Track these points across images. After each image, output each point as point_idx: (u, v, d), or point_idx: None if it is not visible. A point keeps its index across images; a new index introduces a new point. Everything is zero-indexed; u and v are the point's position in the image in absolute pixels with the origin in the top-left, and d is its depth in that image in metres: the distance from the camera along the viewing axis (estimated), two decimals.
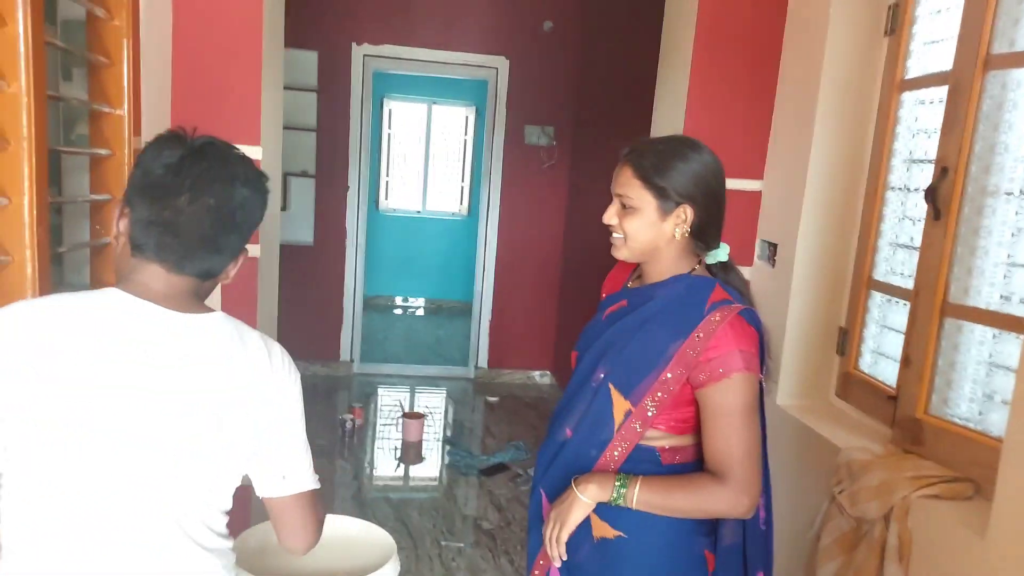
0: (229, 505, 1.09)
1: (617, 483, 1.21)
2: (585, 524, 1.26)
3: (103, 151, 1.73)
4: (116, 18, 1.70)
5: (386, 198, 7.35)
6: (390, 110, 7.16)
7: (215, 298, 1.77)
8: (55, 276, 1.58)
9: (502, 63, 4.79)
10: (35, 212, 1.38)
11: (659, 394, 1.23)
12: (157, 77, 1.92)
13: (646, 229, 1.25)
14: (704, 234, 1.29)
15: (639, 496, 1.20)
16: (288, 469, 1.11)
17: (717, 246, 1.32)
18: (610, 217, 1.30)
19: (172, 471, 1.01)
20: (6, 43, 1.29)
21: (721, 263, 1.34)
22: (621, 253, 1.30)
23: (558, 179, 5.00)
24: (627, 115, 3.77)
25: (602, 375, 1.29)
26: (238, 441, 1.06)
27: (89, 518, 0.97)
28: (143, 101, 1.83)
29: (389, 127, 7.22)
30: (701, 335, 1.20)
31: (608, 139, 4.11)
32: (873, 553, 1.55)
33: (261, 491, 1.11)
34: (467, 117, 7.29)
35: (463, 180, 7.46)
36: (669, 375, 1.22)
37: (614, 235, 1.30)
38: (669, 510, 1.22)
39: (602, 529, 1.29)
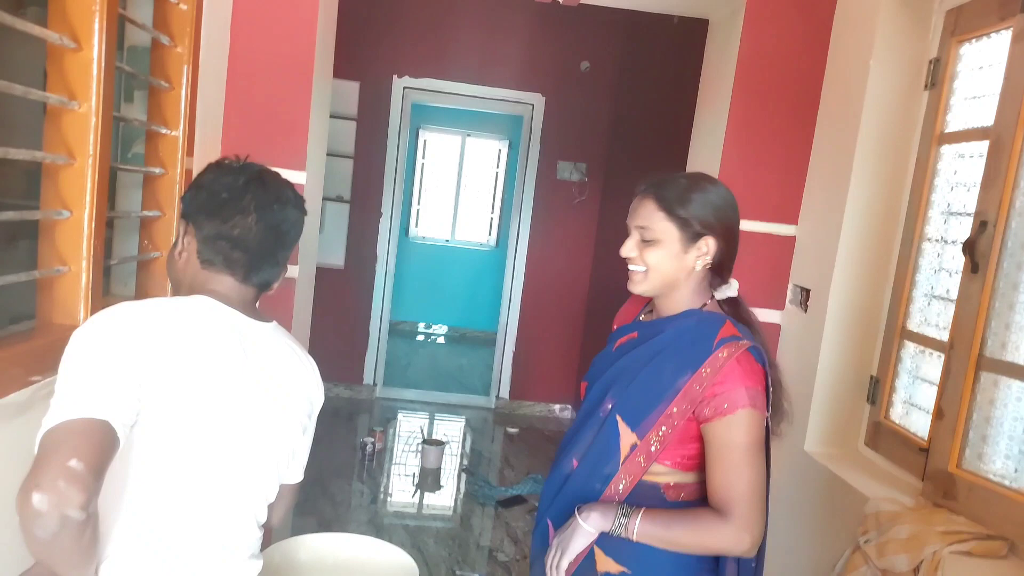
0: (275, 495, 1.24)
1: (619, 512, 1.20)
2: (589, 558, 1.26)
3: (157, 170, 1.80)
4: (179, 45, 1.78)
5: (416, 226, 7.45)
6: (425, 140, 7.30)
7: None
8: (103, 288, 1.63)
9: (538, 100, 4.88)
10: (94, 226, 1.44)
11: (664, 428, 1.22)
12: (211, 101, 2.00)
13: (669, 261, 1.25)
14: (722, 267, 1.28)
15: (640, 527, 1.19)
16: (304, 462, 1.32)
17: (728, 281, 1.31)
18: (629, 250, 1.29)
19: (262, 460, 1.16)
20: (81, 66, 1.36)
21: (731, 299, 1.32)
22: (640, 287, 1.29)
23: (588, 215, 5.04)
24: (660, 155, 3.81)
25: (610, 406, 1.28)
26: (298, 436, 1.24)
27: (198, 489, 1.08)
28: (197, 123, 1.91)
29: (423, 157, 7.35)
30: (708, 370, 1.19)
31: (640, 178, 4.15)
32: None
33: (286, 478, 1.27)
34: (500, 150, 7.40)
35: (492, 211, 7.54)
36: (675, 409, 1.21)
37: (633, 268, 1.29)
38: (670, 544, 1.20)
39: (606, 564, 1.27)
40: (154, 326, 1.03)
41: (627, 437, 1.25)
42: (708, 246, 1.25)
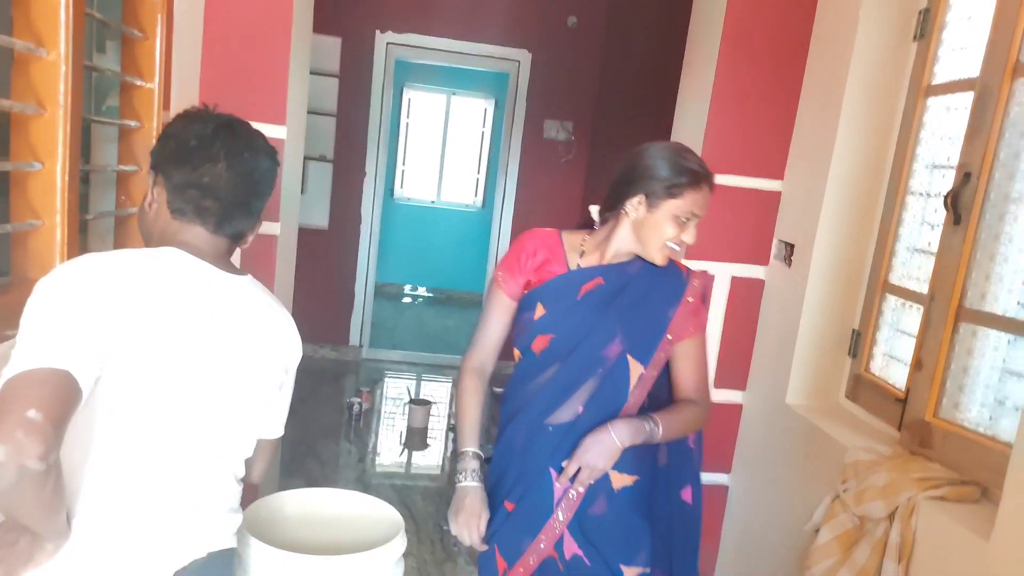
0: (251, 449, 1.24)
1: (647, 424, 1.40)
2: (604, 480, 1.42)
3: (133, 123, 1.76)
4: None
5: (401, 187, 7.38)
6: (409, 99, 7.19)
7: None
8: (80, 243, 1.60)
9: (524, 56, 4.80)
10: (67, 179, 1.41)
11: (662, 354, 1.46)
12: (188, 53, 1.94)
13: None
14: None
15: (663, 430, 1.41)
16: (283, 418, 1.32)
17: None
18: (692, 237, 1.41)
19: (235, 414, 1.16)
20: (47, 11, 1.31)
21: None
22: (671, 258, 1.45)
23: (575, 174, 5.01)
24: (648, 112, 3.77)
25: (620, 349, 1.43)
26: (273, 394, 1.23)
27: (167, 443, 1.08)
28: (173, 76, 1.86)
29: (408, 116, 7.24)
30: (691, 299, 1.47)
31: (627, 136, 4.12)
32: (874, 552, 1.57)
33: (264, 433, 1.28)
34: (485, 109, 7.30)
35: (478, 172, 7.47)
36: (669, 336, 1.46)
37: (677, 248, 1.42)
38: (676, 433, 1.46)
39: (621, 480, 1.44)
40: (119, 276, 1.02)
41: (635, 370, 1.44)
42: None
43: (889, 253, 1.95)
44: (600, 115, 4.83)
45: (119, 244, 1.84)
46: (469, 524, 1.44)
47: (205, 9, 2.01)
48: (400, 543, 1.46)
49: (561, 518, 1.43)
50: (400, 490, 3.33)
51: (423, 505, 3.18)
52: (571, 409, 1.43)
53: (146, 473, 1.06)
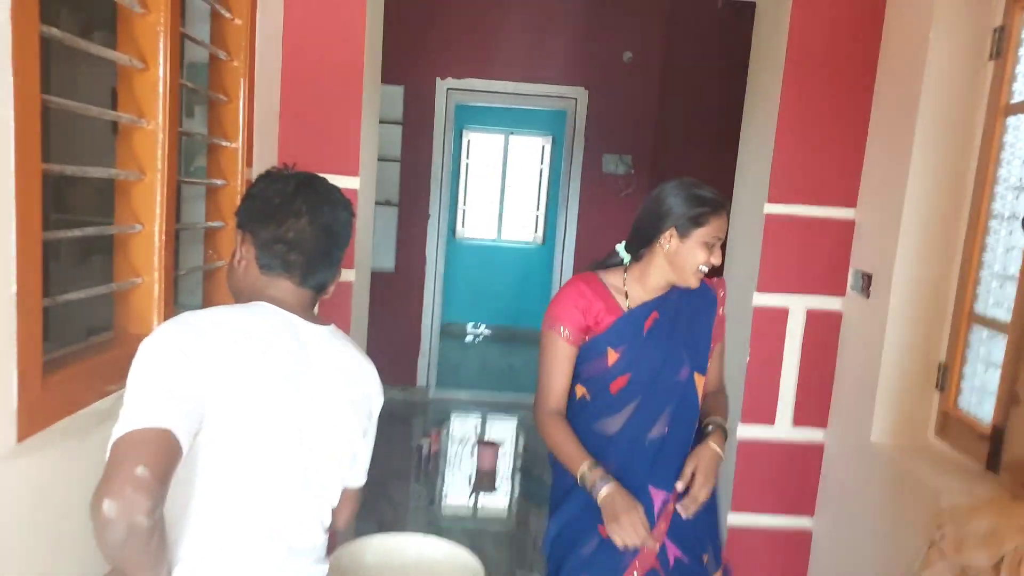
0: (337, 498, 1.27)
1: (723, 426, 1.62)
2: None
3: (219, 181, 1.87)
4: (235, 59, 1.84)
5: (463, 226, 7.50)
6: (469, 140, 7.35)
7: None
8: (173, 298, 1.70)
9: (581, 93, 4.87)
10: (164, 238, 1.50)
11: (709, 361, 1.65)
12: (267, 112, 2.06)
13: None
14: None
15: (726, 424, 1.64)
16: (367, 465, 1.35)
17: None
18: (719, 258, 1.56)
19: (325, 463, 1.19)
20: (148, 85, 1.42)
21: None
22: (699, 282, 1.58)
23: (635, 207, 4.97)
24: (707, 143, 3.76)
25: (689, 370, 1.60)
26: (358, 439, 1.26)
27: (262, 493, 1.11)
28: (255, 135, 1.97)
29: (467, 157, 7.40)
30: (721, 309, 1.67)
31: (688, 167, 4.09)
32: None
33: (349, 481, 1.30)
34: (543, 147, 7.40)
35: (538, 209, 7.54)
36: (712, 344, 1.66)
37: (704, 271, 1.56)
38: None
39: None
40: (216, 333, 1.06)
41: (699, 383, 1.61)
42: None
43: (974, 281, 1.87)
44: (659, 147, 4.83)
45: (207, 296, 1.94)
46: (633, 522, 1.44)
47: (282, 71, 2.13)
48: None
49: (663, 526, 1.55)
50: (471, 534, 3.32)
51: (493, 550, 3.16)
52: (659, 429, 1.58)
53: (243, 524, 1.09)
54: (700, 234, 1.52)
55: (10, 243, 1.05)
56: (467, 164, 7.41)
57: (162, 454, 0.93)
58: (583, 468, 1.50)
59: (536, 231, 7.55)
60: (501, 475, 3.98)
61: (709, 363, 1.65)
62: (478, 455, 4.00)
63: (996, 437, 1.72)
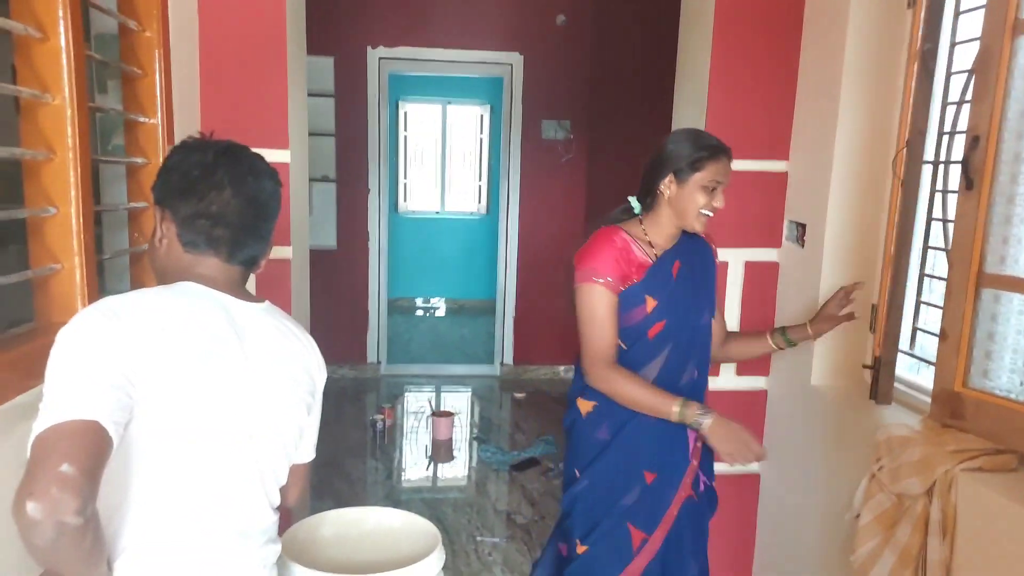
0: (286, 476, 1.24)
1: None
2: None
3: (139, 160, 1.77)
4: (148, 30, 1.74)
5: (405, 200, 7.40)
6: (405, 112, 7.22)
7: None
8: (99, 284, 1.62)
9: (516, 59, 4.81)
10: (82, 220, 1.42)
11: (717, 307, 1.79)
12: (187, 86, 1.96)
13: None
14: None
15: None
16: (315, 439, 1.32)
17: None
18: (722, 201, 1.62)
19: (266, 443, 1.15)
20: (49, 57, 1.33)
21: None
22: (706, 227, 1.65)
23: (577, 172, 5.01)
24: (644, 103, 3.78)
25: (708, 315, 1.73)
26: (302, 416, 1.22)
27: (202, 477, 1.07)
28: (175, 110, 1.87)
29: (405, 129, 7.28)
30: (717, 256, 1.82)
31: (626, 128, 4.13)
32: (916, 529, 1.55)
33: (296, 458, 1.27)
34: (481, 116, 7.32)
35: (480, 179, 7.49)
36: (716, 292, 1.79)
37: (710, 215, 1.63)
38: None
39: None
40: (139, 318, 1.00)
41: (711, 326, 1.75)
42: None
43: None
44: (597, 111, 4.83)
45: (135, 281, 1.86)
46: (748, 441, 1.57)
47: (199, 42, 2.03)
48: (439, 555, 1.46)
49: (695, 463, 1.71)
50: (430, 503, 3.33)
51: (455, 517, 3.18)
52: (689, 376, 1.70)
53: (185, 510, 1.06)
54: (698, 179, 1.59)
55: None
56: (405, 136, 7.29)
57: (90, 447, 0.87)
58: (677, 407, 1.57)
59: (479, 201, 7.51)
60: (457, 445, 4.00)
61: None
62: (433, 426, 4.00)
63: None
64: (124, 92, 1.78)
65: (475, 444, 4.01)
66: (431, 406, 4.44)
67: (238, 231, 1.13)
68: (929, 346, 1.84)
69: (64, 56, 1.33)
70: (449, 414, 4.05)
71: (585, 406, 1.72)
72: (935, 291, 1.88)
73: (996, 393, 1.58)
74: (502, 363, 5.20)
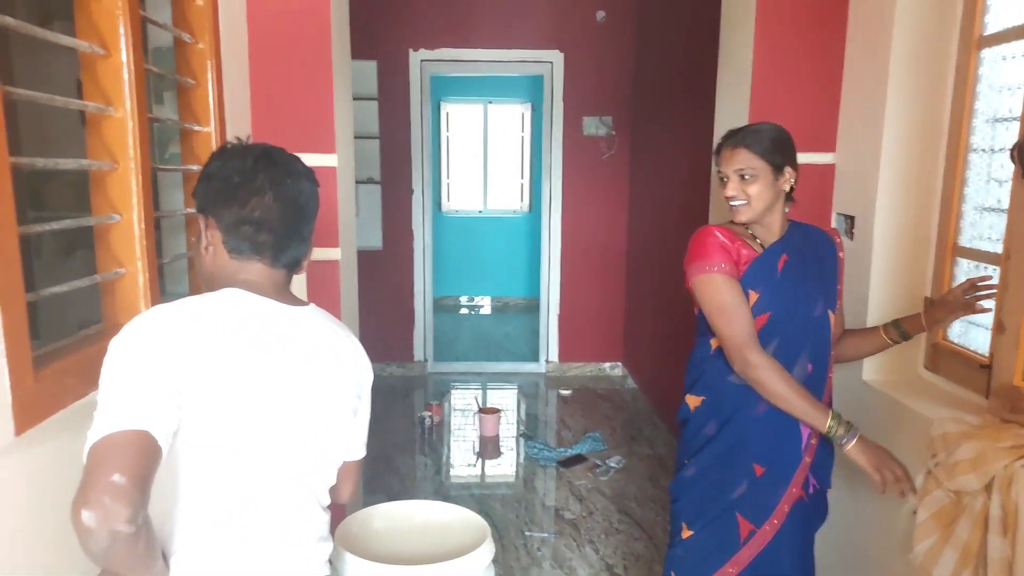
0: (335, 476, 1.26)
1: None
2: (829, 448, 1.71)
3: (195, 167, 1.85)
4: (200, 42, 1.81)
5: (448, 199, 7.47)
6: (447, 113, 7.28)
7: None
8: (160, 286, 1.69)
9: (557, 56, 4.82)
10: (144, 227, 1.49)
11: (838, 302, 1.75)
12: (238, 95, 2.03)
13: (767, 190, 1.63)
14: (791, 190, 1.70)
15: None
16: (366, 437, 1.33)
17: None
18: (734, 189, 1.63)
19: (313, 445, 1.17)
20: (112, 72, 1.40)
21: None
22: (745, 215, 1.64)
23: (619, 168, 4.99)
24: (686, 97, 3.73)
25: (823, 306, 1.69)
26: (348, 420, 1.23)
27: (250, 480, 1.09)
28: (227, 118, 1.94)
29: (447, 129, 7.34)
30: (841, 254, 1.79)
31: (668, 123, 4.08)
32: (976, 526, 1.51)
33: (346, 456, 1.29)
34: (523, 114, 7.34)
35: (522, 177, 7.51)
36: (839, 287, 1.76)
37: (737, 203, 1.64)
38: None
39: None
40: (186, 327, 1.02)
41: (832, 321, 1.71)
42: (789, 174, 1.66)
43: (956, 215, 1.88)
44: (639, 106, 4.80)
45: (193, 284, 1.94)
46: (890, 464, 1.58)
47: (249, 50, 2.10)
48: (489, 548, 1.49)
49: (807, 460, 1.68)
50: (479, 499, 3.37)
51: (503, 512, 3.21)
52: (802, 370, 1.66)
53: (234, 511, 1.08)
54: (718, 170, 1.66)
55: None
56: (447, 136, 7.36)
57: (140, 457, 0.90)
58: (828, 419, 1.56)
59: (522, 200, 7.53)
60: (504, 441, 4.03)
61: (837, 305, 1.76)
62: (480, 423, 4.04)
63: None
64: (179, 102, 1.86)
65: (522, 440, 4.03)
66: (477, 403, 4.49)
67: (281, 235, 1.14)
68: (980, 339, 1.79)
69: (126, 71, 1.40)
70: (496, 411, 4.08)
71: (693, 401, 1.74)
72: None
73: None
74: (547, 360, 5.22)
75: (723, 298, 1.59)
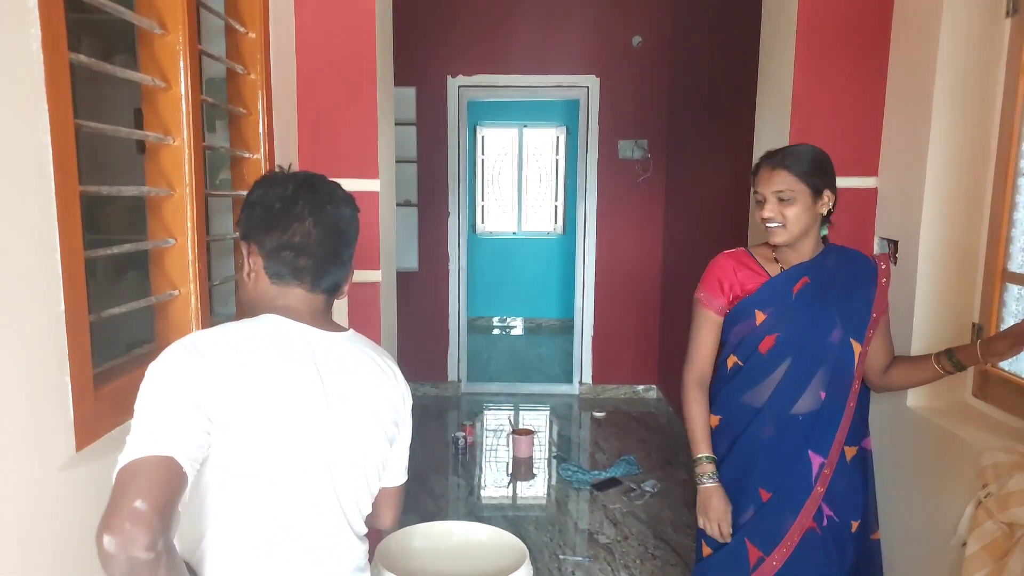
0: (370, 505, 1.24)
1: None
2: (841, 452, 1.71)
3: (245, 192, 1.91)
4: (252, 72, 1.88)
5: (483, 222, 7.54)
6: (483, 136, 7.38)
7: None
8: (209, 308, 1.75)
9: (593, 81, 4.86)
10: (197, 251, 1.54)
11: (871, 331, 1.70)
12: (286, 122, 2.10)
13: (805, 213, 1.62)
14: (829, 213, 1.69)
15: None
16: (406, 462, 1.33)
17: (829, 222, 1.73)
18: (771, 211, 1.62)
19: (347, 474, 1.16)
20: (171, 103, 1.47)
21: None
22: (781, 238, 1.64)
23: (654, 191, 4.99)
24: (723, 121, 3.73)
25: (841, 333, 1.66)
26: (383, 448, 1.23)
27: (283, 510, 1.09)
28: (276, 146, 2.01)
29: (483, 153, 7.44)
30: (884, 280, 1.73)
31: (704, 146, 4.08)
32: None
33: (385, 482, 1.29)
34: (557, 137, 7.40)
35: (556, 199, 7.55)
36: (874, 315, 1.70)
37: (772, 225, 1.63)
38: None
39: (851, 452, 1.76)
40: (220, 354, 1.03)
41: (857, 350, 1.68)
42: (828, 197, 1.65)
43: (1005, 240, 1.85)
44: (675, 130, 4.80)
45: (240, 305, 1.99)
46: (721, 520, 1.67)
47: (297, 81, 2.17)
48: (527, 570, 1.49)
49: (820, 490, 1.66)
50: (512, 520, 3.36)
51: (536, 534, 3.19)
52: (813, 396, 1.66)
53: (264, 540, 1.08)
54: (755, 191, 1.66)
55: (56, 263, 1.09)
56: (483, 160, 7.45)
57: (163, 484, 0.91)
58: (699, 457, 1.69)
59: (556, 222, 7.56)
60: (537, 463, 4.02)
61: (876, 333, 1.73)
62: (513, 444, 4.03)
63: None
64: (231, 130, 1.93)
65: (555, 462, 4.02)
66: (511, 424, 4.49)
67: (320, 259, 1.14)
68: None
69: (184, 102, 1.47)
70: (529, 432, 4.08)
71: (714, 421, 1.78)
72: None
73: None
74: (581, 382, 5.20)
75: (697, 325, 1.75)
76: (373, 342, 1.26)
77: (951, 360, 1.68)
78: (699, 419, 1.71)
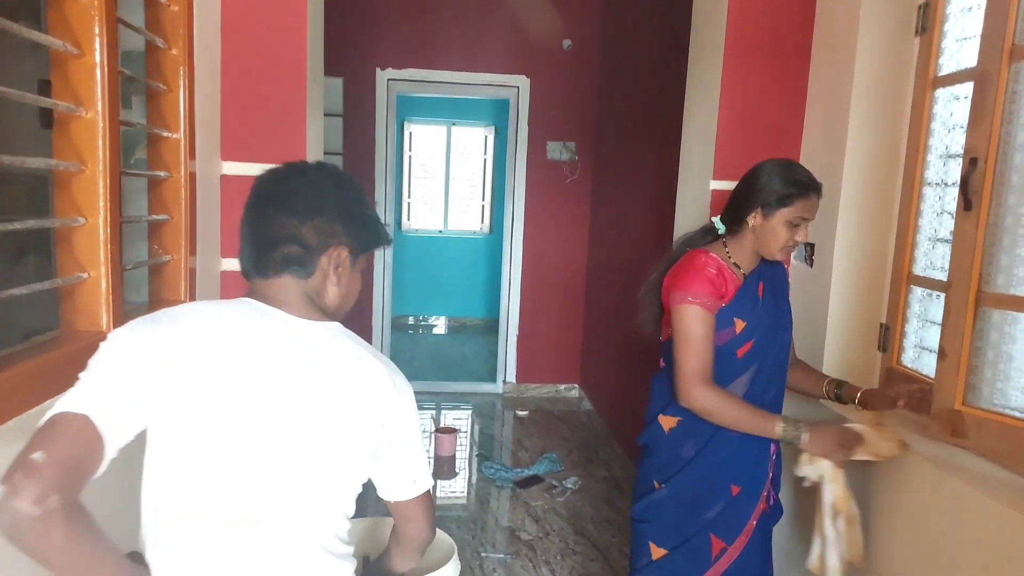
0: (352, 511, 1.12)
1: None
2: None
3: (162, 174, 1.81)
4: (174, 47, 1.78)
5: (408, 219, 7.45)
6: (411, 133, 7.29)
7: None
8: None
9: (523, 81, 4.88)
10: (109, 231, 1.45)
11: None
12: (208, 103, 2.00)
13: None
14: None
15: None
16: (417, 473, 1.19)
17: None
18: (805, 236, 1.68)
19: (309, 480, 1.04)
20: (85, 72, 1.37)
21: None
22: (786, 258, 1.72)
23: (581, 193, 5.06)
24: (649, 125, 3.82)
25: (789, 333, 1.79)
26: (361, 452, 1.09)
27: (226, 504, 1.00)
28: (196, 126, 1.91)
29: (410, 149, 7.35)
30: (788, 275, 1.86)
31: (632, 149, 4.17)
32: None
33: (391, 495, 1.19)
34: (486, 136, 7.40)
35: (484, 199, 7.55)
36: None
37: (790, 248, 1.69)
38: None
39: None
40: (176, 327, 0.98)
41: (790, 346, 1.81)
42: None
43: (911, 245, 1.97)
44: (603, 132, 4.89)
45: (154, 294, 1.88)
46: (842, 438, 1.62)
47: (221, 59, 2.07)
48: (455, 566, 1.47)
49: (771, 475, 1.76)
50: (435, 518, 3.31)
51: (458, 532, 3.17)
52: (775, 391, 1.75)
53: (195, 532, 1.00)
54: (784, 214, 1.63)
55: None
56: (410, 156, 7.36)
57: (71, 440, 0.86)
58: (780, 426, 1.62)
59: (483, 221, 7.56)
60: (460, 461, 3.99)
61: None
62: (436, 442, 4.00)
63: None
64: (148, 107, 1.82)
65: (478, 460, 4.00)
66: (433, 423, 4.44)
67: (254, 244, 1.09)
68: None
69: (99, 72, 1.37)
70: (452, 430, 4.05)
71: (668, 422, 1.75)
72: (930, 310, 1.92)
73: (1007, 412, 1.59)
74: (504, 381, 5.21)
75: (696, 330, 1.62)
76: (365, 342, 1.15)
77: (836, 392, 1.81)
78: (742, 407, 1.62)
